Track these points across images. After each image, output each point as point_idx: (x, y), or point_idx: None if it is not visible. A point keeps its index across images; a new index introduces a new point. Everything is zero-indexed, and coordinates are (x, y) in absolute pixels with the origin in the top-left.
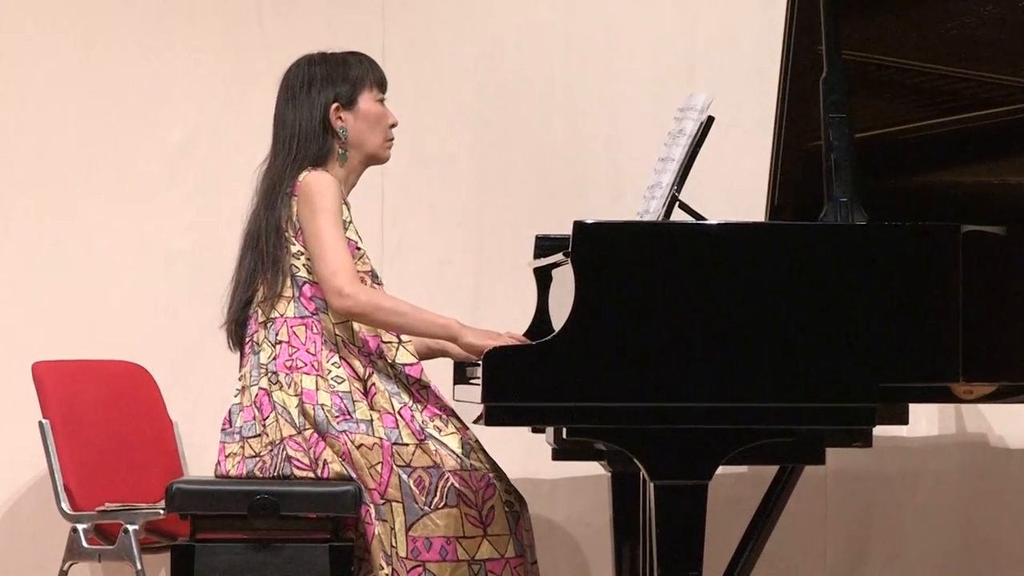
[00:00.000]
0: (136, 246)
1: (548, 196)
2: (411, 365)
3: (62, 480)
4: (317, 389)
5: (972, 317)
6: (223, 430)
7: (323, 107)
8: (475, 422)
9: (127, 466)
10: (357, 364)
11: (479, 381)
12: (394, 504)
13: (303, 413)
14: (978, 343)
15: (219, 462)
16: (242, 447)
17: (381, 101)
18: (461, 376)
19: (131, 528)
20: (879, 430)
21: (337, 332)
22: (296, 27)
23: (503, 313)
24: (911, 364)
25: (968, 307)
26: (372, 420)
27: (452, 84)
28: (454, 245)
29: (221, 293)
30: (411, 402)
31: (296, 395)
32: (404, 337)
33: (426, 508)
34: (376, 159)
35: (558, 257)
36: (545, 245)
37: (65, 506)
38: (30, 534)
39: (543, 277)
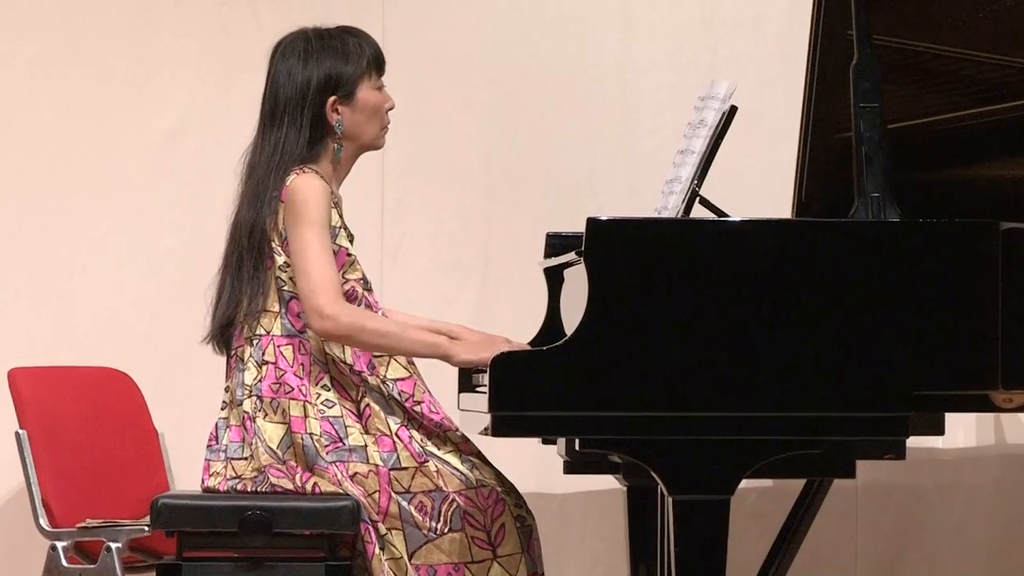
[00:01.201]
0: (119, 244)
1: (560, 191)
2: (403, 379)
3: (40, 494)
4: (306, 416)
5: (1012, 320)
6: (209, 446)
7: (317, 94)
8: (482, 433)
9: (110, 480)
10: (349, 385)
11: (486, 389)
12: (395, 532)
13: (291, 444)
14: (1018, 348)
15: (203, 480)
16: (226, 467)
17: (379, 87)
18: (467, 384)
19: (114, 546)
20: (913, 441)
21: (327, 350)
22: (291, 9)
23: (511, 316)
24: (947, 370)
25: (1008, 309)
26: (367, 446)
27: (457, 71)
28: (459, 244)
29: (210, 295)
30: (407, 421)
31: (283, 423)
32: None
33: (430, 534)
34: (371, 148)
35: (570, 256)
36: (556, 244)
37: (43, 522)
38: (6, 552)
39: (554, 278)
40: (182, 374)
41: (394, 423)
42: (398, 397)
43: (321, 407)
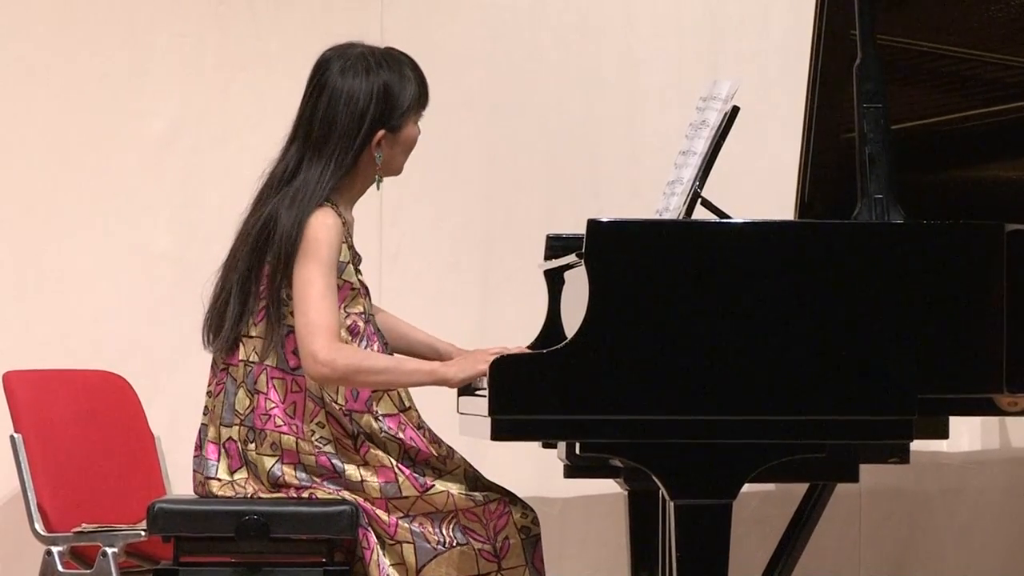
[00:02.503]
0: (114, 246)
1: (560, 192)
2: (391, 416)
3: (35, 499)
4: (299, 451)
5: (1017, 323)
6: (195, 456)
7: (370, 126)
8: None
9: (105, 484)
10: (345, 422)
11: (485, 392)
12: (404, 545)
13: (281, 473)
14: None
15: (193, 488)
16: (203, 485)
17: (417, 120)
18: (466, 387)
19: (110, 551)
20: (917, 445)
21: (321, 384)
22: (289, 8)
23: (511, 318)
24: (951, 374)
25: (1012, 312)
26: (363, 479)
27: (456, 70)
28: (459, 245)
29: (205, 297)
30: (403, 455)
31: (274, 455)
32: None
33: (439, 547)
34: (392, 175)
35: (571, 258)
36: (557, 245)
37: (39, 527)
38: (0, 558)
39: (555, 280)
40: (178, 377)
41: (393, 458)
42: (388, 431)
43: (316, 443)
